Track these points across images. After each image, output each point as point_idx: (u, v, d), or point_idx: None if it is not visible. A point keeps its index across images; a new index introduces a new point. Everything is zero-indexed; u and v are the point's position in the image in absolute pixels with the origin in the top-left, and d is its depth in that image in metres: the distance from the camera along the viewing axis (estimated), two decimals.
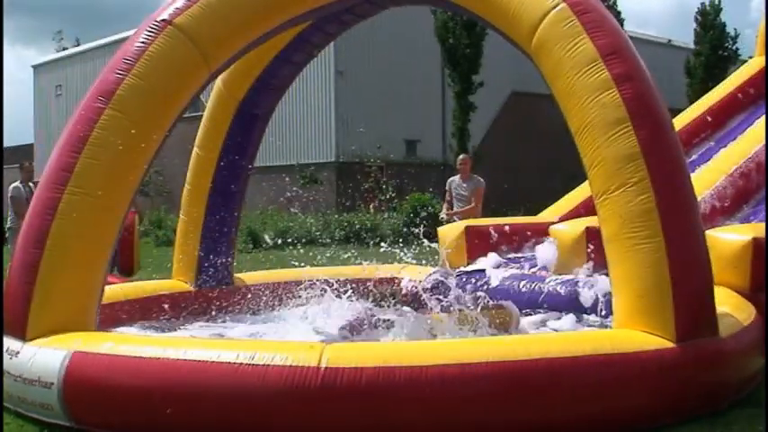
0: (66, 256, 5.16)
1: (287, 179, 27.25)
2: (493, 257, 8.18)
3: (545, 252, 7.90)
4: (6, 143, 40.43)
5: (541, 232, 8.31)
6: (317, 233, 21.48)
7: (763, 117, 8.81)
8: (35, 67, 46.07)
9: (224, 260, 8.05)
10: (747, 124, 9.32)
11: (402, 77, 31.62)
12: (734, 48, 33.94)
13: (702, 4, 34.36)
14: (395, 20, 29.18)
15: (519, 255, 8.47)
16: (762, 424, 4.52)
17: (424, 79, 32.16)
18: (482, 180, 10.71)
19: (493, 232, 8.55)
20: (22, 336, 5.00)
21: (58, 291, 5.12)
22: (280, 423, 4.23)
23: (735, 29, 41.34)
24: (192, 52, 5.60)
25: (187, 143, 7.95)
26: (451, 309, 6.35)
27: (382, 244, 7.90)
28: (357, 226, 21.63)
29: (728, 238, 6.46)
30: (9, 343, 5.02)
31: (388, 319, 6.00)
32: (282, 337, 6.37)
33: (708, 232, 5.95)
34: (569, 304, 6.84)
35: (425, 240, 7.81)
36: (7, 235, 10.38)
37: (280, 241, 17.66)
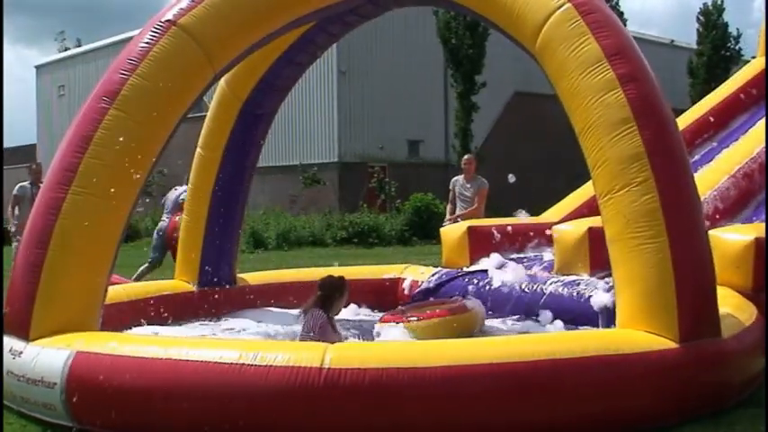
0: (70, 256, 5.16)
1: (290, 179, 27.28)
2: (495, 258, 8.18)
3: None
4: (9, 143, 40.56)
5: (544, 232, 8.32)
6: (320, 234, 21.49)
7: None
8: (38, 68, 46.14)
9: (227, 260, 8.05)
10: (750, 124, 9.31)
11: (405, 78, 31.64)
12: (736, 48, 33.96)
13: (705, 4, 34.38)
14: (398, 20, 29.33)
15: (521, 255, 8.48)
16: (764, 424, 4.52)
17: (427, 80, 32.18)
18: (486, 181, 10.70)
19: (495, 233, 8.55)
20: (26, 336, 5.00)
21: (61, 291, 5.12)
22: (282, 423, 4.22)
23: (737, 29, 41.39)
24: (196, 53, 5.61)
25: (190, 143, 7.95)
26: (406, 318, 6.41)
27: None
28: (359, 226, 21.62)
29: (731, 238, 6.46)
30: (12, 343, 5.02)
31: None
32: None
33: (710, 232, 5.95)
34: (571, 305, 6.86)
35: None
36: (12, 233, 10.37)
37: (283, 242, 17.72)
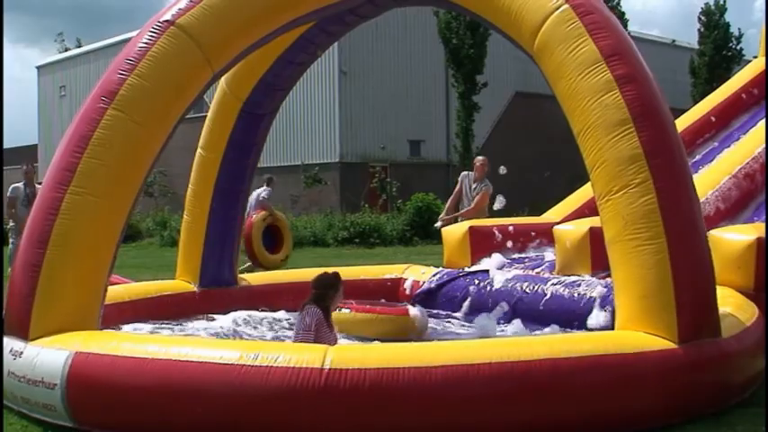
0: (69, 256, 5.16)
1: (291, 180, 27.28)
2: (497, 258, 8.18)
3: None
4: (10, 144, 40.51)
5: (546, 232, 8.31)
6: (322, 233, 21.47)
7: None
8: (39, 68, 46.14)
9: (228, 260, 8.05)
10: (751, 124, 9.30)
11: (406, 78, 31.64)
12: (738, 48, 33.88)
13: (706, 4, 34.30)
14: (398, 20, 29.34)
15: (523, 255, 8.48)
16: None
17: (428, 80, 32.18)
18: (490, 184, 10.67)
19: (497, 233, 8.55)
20: (25, 336, 5.00)
21: (60, 290, 5.12)
22: (283, 423, 4.22)
23: (739, 29, 41.17)
24: (194, 53, 5.61)
25: (191, 144, 7.95)
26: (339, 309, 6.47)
27: None
28: (361, 226, 21.61)
29: (732, 238, 6.45)
30: (12, 343, 5.02)
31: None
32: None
33: (711, 232, 5.94)
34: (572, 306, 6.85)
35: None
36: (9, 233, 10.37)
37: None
